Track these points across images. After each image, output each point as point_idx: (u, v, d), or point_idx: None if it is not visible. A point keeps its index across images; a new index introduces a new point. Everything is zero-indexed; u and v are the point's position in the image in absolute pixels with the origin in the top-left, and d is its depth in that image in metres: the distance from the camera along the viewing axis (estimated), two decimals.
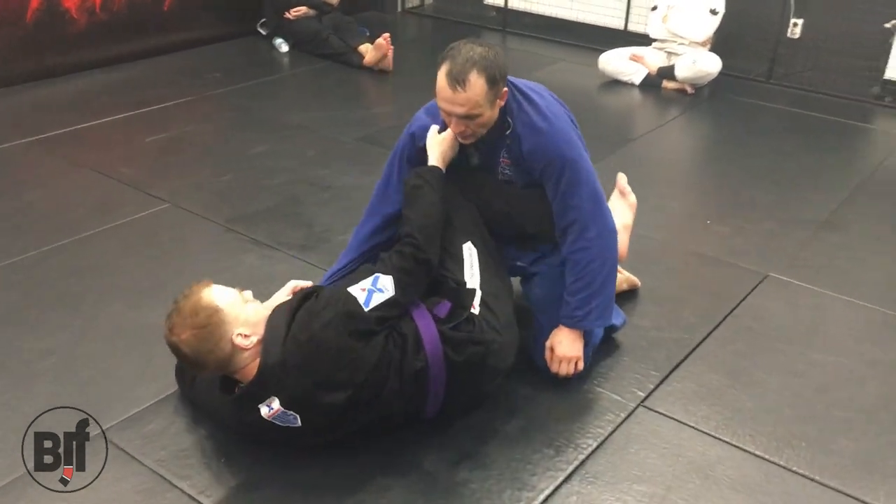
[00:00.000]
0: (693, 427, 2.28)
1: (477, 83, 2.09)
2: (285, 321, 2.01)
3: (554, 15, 6.12)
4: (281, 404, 1.96)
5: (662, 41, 5.15)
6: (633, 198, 2.78)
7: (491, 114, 2.18)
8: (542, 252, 2.47)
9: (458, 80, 2.09)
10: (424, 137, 2.34)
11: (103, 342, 2.55)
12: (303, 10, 5.50)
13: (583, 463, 2.14)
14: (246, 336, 1.97)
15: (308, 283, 2.40)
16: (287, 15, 5.54)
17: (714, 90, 5.05)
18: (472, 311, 2.12)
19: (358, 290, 2.04)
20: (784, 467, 2.15)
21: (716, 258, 3.16)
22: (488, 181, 2.37)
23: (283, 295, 2.37)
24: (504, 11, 6.27)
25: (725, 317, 2.78)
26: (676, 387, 2.44)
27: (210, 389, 2.14)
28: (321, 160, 3.90)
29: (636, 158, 4.09)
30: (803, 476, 2.12)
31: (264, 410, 1.98)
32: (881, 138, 4.65)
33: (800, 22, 5.28)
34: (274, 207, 3.42)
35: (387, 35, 5.11)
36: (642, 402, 2.37)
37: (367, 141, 4.14)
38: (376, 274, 2.08)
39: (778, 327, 2.75)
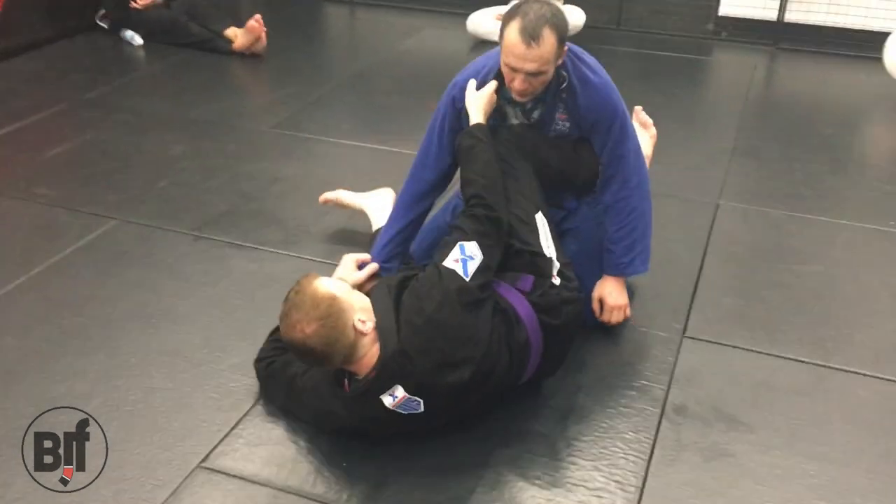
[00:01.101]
0: (737, 347, 2.52)
1: (549, 40, 2.14)
2: (392, 307, 2.00)
3: None
4: (406, 391, 1.96)
5: None
6: (653, 130, 2.97)
7: (552, 71, 2.24)
8: (573, 205, 2.57)
9: (532, 37, 2.12)
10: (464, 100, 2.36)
11: (145, 376, 2.35)
12: None
13: (666, 398, 2.31)
14: (363, 321, 1.95)
15: (365, 255, 2.37)
16: (133, 4, 5.15)
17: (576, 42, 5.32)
18: (553, 280, 2.20)
19: (452, 263, 2.06)
20: (824, 366, 2.44)
21: (667, 193, 3.40)
22: (542, 139, 2.41)
23: (347, 271, 2.32)
24: None
25: (706, 247, 3.05)
26: (702, 316, 2.66)
27: (318, 393, 2.08)
28: (249, 153, 3.73)
29: None
30: (842, 370, 2.42)
31: (388, 400, 1.96)
32: (724, 68, 5.19)
33: None
34: (232, 208, 3.25)
35: (258, 16, 4.90)
36: (684, 334, 2.58)
37: (284, 128, 4.01)
38: (459, 243, 2.09)
39: (754, 248, 3.06)
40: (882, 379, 2.39)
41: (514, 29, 2.14)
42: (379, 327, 1.97)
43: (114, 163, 3.62)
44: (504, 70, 2.24)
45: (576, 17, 5.19)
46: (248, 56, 4.98)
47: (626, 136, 2.39)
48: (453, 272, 2.04)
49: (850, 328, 2.61)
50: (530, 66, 2.17)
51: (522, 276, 2.19)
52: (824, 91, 4.75)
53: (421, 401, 1.98)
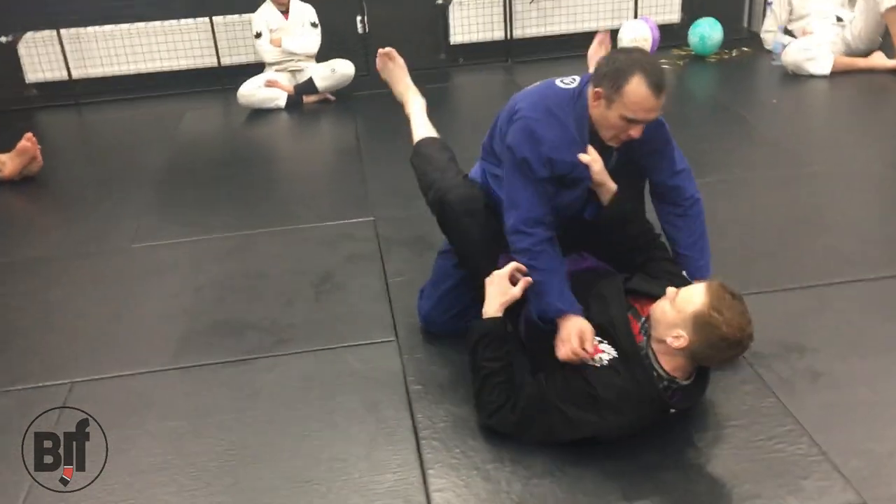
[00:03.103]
0: None
1: None
2: None
3: (134, 72, 5.77)
4: None
5: (280, 63, 5.37)
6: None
7: None
8: None
9: (661, 87, 2.16)
10: (567, 165, 2.26)
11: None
12: None
13: None
14: None
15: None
16: None
17: (345, 92, 5.47)
18: None
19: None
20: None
21: None
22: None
23: (503, 288, 2.28)
24: (49, 85, 5.72)
25: None
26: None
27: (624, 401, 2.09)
28: (115, 289, 3.21)
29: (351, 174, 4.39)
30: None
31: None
32: (462, 89, 5.71)
33: (365, 18, 5.97)
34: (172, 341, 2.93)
35: (29, 134, 4.32)
36: None
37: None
38: None
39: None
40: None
41: (641, 84, 2.13)
42: None
43: None
44: (618, 123, 2.20)
45: (348, 69, 5.34)
46: (21, 181, 4.37)
47: (671, 140, 2.43)
48: None
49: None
50: (653, 115, 2.21)
51: None
52: None
53: None
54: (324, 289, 3.04)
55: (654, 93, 2.15)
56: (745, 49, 5.78)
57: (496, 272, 2.29)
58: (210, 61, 5.79)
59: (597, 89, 2.21)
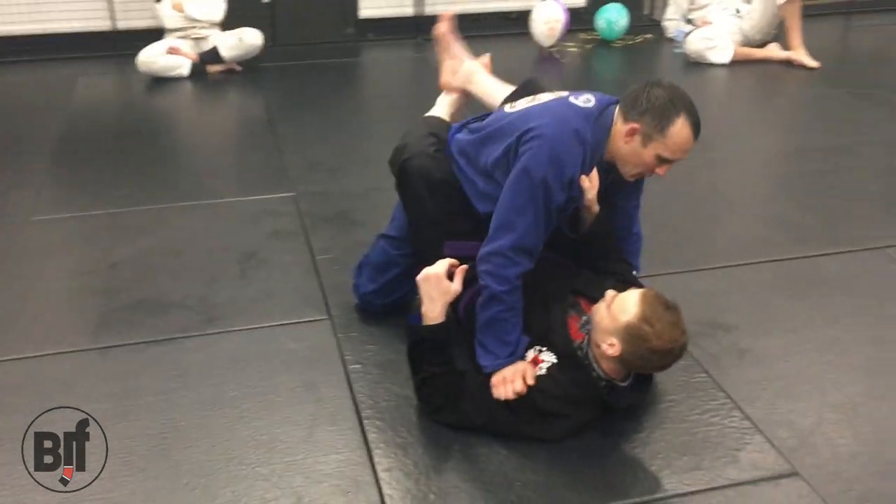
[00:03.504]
0: None
1: None
2: None
3: (18, 33, 5.38)
4: None
5: (182, 29, 5.13)
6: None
7: None
8: None
9: (699, 128, 2.13)
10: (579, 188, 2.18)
11: None
12: None
13: None
14: None
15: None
16: None
17: (252, 63, 5.29)
18: None
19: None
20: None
21: None
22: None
23: (445, 287, 2.17)
24: None
25: None
26: None
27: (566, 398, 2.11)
28: (18, 265, 3.12)
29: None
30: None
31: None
32: (372, 65, 5.63)
33: None
34: None
35: None
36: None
37: None
38: None
39: None
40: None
41: (686, 126, 2.09)
42: None
43: None
44: (651, 162, 2.14)
45: (256, 38, 5.16)
46: None
47: None
48: None
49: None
50: (687, 156, 2.17)
51: None
52: None
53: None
54: (249, 266, 2.94)
55: (695, 134, 2.12)
56: (648, 36, 5.94)
57: (431, 271, 2.15)
58: (104, 24, 5.47)
59: (633, 125, 2.12)
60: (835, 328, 2.62)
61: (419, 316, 2.18)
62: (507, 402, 2.08)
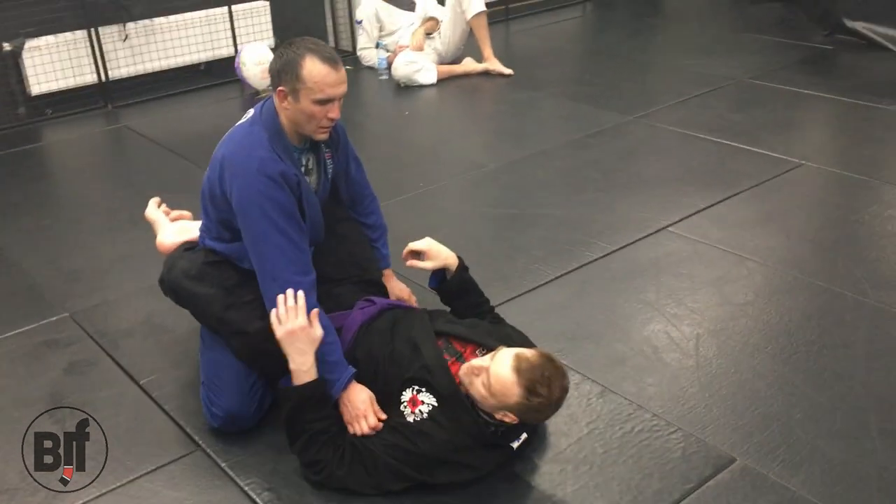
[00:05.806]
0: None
1: None
2: None
3: None
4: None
5: None
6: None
7: None
8: None
9: (335, 59, 2.16)
10: (292, 177, 2.20)
11: None
12: None
13: None
14: None
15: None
16: None
17: None
18: None
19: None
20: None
21: None
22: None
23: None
24: None
25: None
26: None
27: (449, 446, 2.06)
28: None
29: None
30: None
31: (515, 444, 2.12)
32: (59, 147, 4.91)
33: None
34: None
35: None
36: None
37: None
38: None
39: None
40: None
41: (315, 62, 2.13)
42: None
43: None
44: (314, 110, 2.17)
45: None
46: None
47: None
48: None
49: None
50: (343, 88, 2.19)
51: None
52: (191, 128, 5.04)
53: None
54: (66, 419, 2.40)
55: (331, 66, 2.15)
56: (348, 67, 5.96)
57: (293, 325, 2.08)
58: None
59: (280, 89, 2.18)
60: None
61: (289, 378, 2.10)
62: (398, 454, 2.04)
